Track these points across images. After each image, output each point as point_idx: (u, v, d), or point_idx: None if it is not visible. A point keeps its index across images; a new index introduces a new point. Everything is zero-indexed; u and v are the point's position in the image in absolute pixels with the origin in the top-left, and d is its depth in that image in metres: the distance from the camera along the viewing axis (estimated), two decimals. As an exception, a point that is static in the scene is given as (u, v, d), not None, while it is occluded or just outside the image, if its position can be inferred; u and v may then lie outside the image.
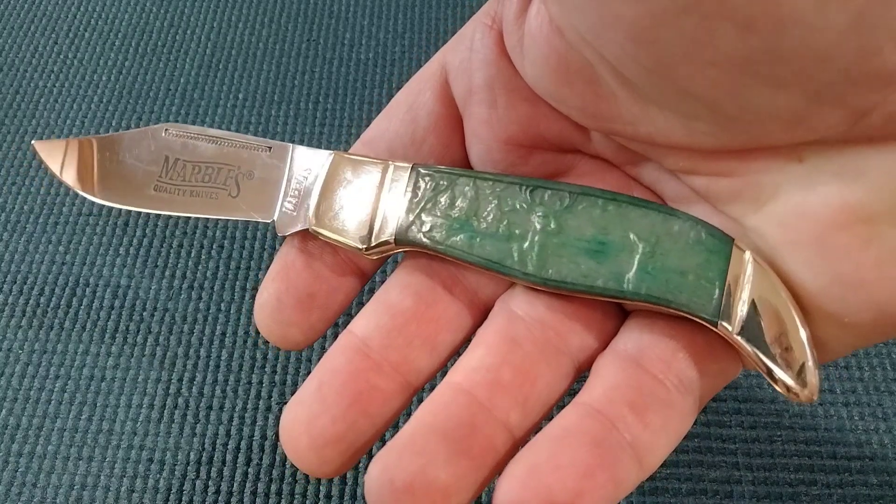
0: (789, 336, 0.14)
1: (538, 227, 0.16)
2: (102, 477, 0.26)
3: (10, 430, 0.27)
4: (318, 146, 0.34)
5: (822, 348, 0.15)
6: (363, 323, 0.16)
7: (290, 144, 0.18)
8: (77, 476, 0.26)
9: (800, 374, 0.14)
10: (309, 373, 0.28)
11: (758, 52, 0.11)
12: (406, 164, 0.17)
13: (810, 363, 0.14)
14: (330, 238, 0.17)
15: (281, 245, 0.18)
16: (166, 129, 0.18)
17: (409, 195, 0.16)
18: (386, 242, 0.16)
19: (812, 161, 0.13)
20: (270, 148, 0.18)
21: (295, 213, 0.17)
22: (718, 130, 0.14)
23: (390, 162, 0.17)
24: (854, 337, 0.15)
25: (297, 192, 0.17)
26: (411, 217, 0.16)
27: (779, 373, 0.14)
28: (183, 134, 0.18)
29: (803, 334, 0.14)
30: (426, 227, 0.16)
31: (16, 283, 0.30)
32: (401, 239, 0.16)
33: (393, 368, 0.16)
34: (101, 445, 0.27)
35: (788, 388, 0.14)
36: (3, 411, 0.27)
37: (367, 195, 0.17)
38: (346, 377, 0.15)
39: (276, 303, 0.17)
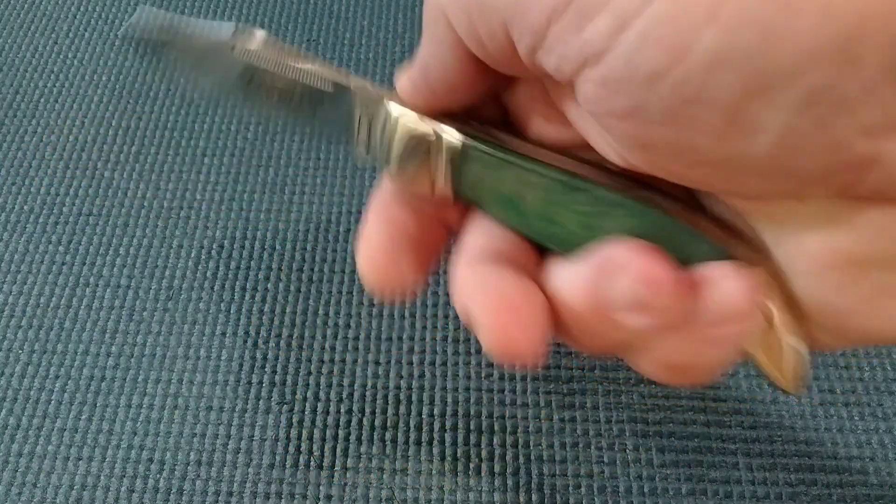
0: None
1: (576, 221, 0.16)
2: (102, 477, 0.26)
3: (10, 430, 0.27)
4: (318, 146, 0.34)
5: (814, 343, 0.15)
6: None
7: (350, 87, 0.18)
8: (77, 476, 0.26)
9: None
10: (309, 373, 0.28)
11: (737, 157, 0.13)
12: (457, 142, 0.17)
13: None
14: (403, 186, 0.18)
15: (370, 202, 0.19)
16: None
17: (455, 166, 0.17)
18: (446, 197, 0.17)
19: (811, 203, 0.14)
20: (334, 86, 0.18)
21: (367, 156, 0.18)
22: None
23: (443, 135, 0.17)
24: (846, 343, 0.15)
25: (366, 135, 0.18)
26: (462, 180, 0.17)
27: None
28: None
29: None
30: (476, 193, 0.17)
31: (16, 283, 0.30)
32: (457, 196, 0.17)
33: None
34: (101, 445, 0.27)
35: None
36: (3, 411, 0.27)
37: (425, 154, 0.17)
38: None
39: (389, 245, 0.17)
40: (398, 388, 0.28)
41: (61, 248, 0.31)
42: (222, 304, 0.30)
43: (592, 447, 0.27)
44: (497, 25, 0.14)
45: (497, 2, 0.14)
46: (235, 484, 0.26)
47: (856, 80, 0.11)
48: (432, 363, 0.28)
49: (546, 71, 0.14)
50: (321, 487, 0.26)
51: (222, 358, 0.29)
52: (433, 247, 0.18)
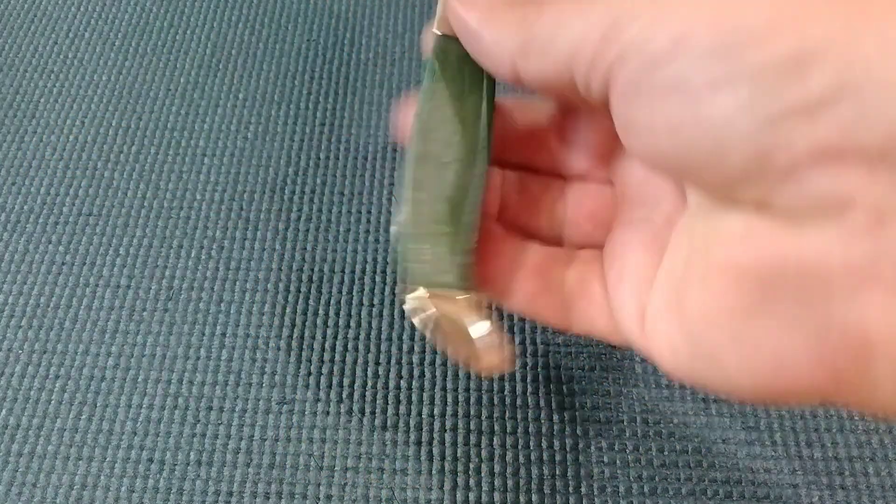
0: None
1: None
2: (102, 477, 0.26)
3: (10, 430, 0.27)
4: (318, 146, 0.34)
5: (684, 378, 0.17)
6: None
7: None
8: (77, 476, 0.26)
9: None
10: (309, 373, 0.28)
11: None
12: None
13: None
14: None
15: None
16: None
17: None
18: None
19: (739, 212, 0.15)
20: None
21: None
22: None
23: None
24: (701, 383, 0.17)
25: None
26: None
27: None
28: None
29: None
30: None
31: (16, 283, 0.30)
32: None
33: None
34: (101, 445, 0.27)
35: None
36: (3, 411, 0.27)
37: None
38: None
39: None
40: (398, 388, 0.28)
41: (61, 248, 0.31)
42: (222, 304, 0.30)
43: (592, 447, 0.27)
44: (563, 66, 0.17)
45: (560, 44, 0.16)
46: (235, 484, 0.26)
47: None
48: (432, 363, 0.28)
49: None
50: (321, 487, 0.26)
51: (222, 358, 0.29)
52: None
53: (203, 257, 0.31)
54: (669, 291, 0.17)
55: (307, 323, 0.29)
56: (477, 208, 0.19)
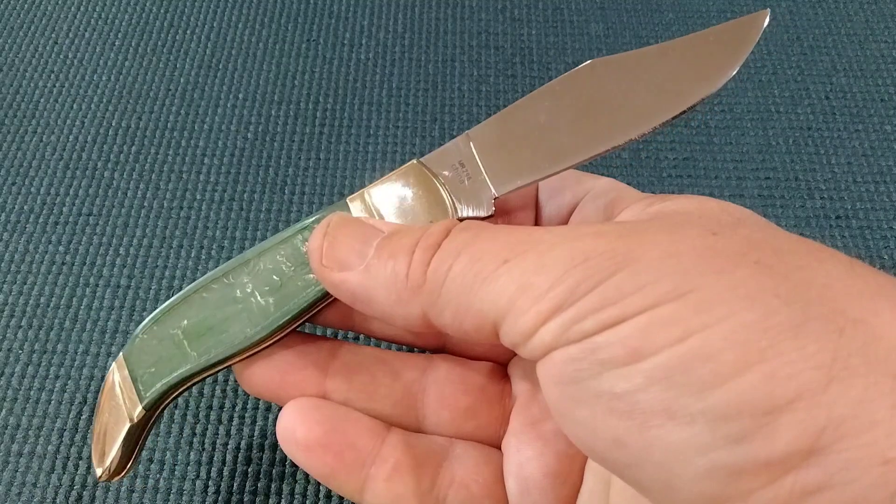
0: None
1: None
2: (102, 477, 0.26)
3: (10, 430, 0.27)
4: (318, 146, 0.34)
5: None
6: None
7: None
8: (77, 476, 0.26)
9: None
10: (309, 373, 0.28)
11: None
12: None
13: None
14: None
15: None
16: None
17: None
18: None
19: None
20: None
21: None
22: None
23: None
24: None
25: None
26: None
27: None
28: None
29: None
30: None
31: (16, 283, 0.30)
32: None
33: None
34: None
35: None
36: (3, 411, 0.27)
37: None
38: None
39: None
40: (398, 388, 0.28)
41: (61, 248, 0.31)
42: (222, 304, 0.30)
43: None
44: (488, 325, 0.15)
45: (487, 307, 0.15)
46: (235, 484, 0.26)
47: None
48: (432, 363, 0.28)
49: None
50: (321, 487, 0.26)
51: (222, 358, 0.29)
52: None
53: (203, 257, 0.31)
54: None
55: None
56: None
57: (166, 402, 0.20)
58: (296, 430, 0.19)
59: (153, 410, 0.20)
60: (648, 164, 0.34)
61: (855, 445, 0.11)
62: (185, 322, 0.20)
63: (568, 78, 0.20)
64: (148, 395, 0.19)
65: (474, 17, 0.39)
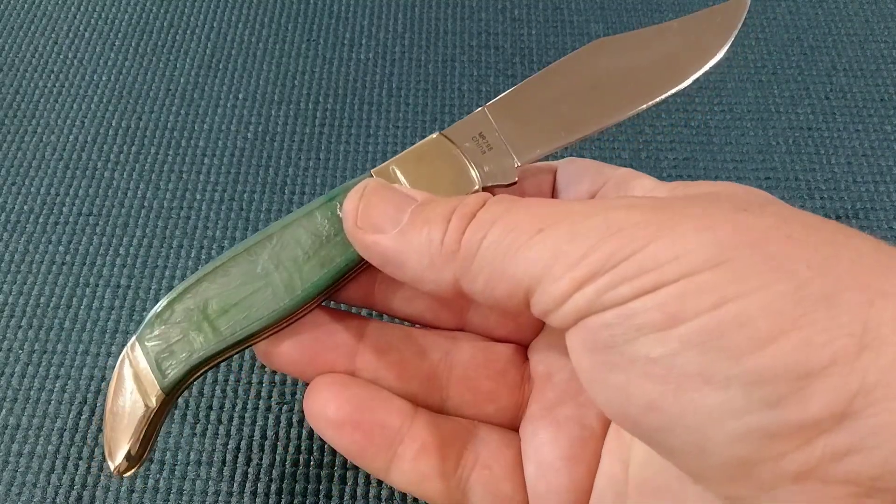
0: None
1: None
2: (102, 477, 0.26)
3: (10, 430, 0.27)
4: (318, 146, 0.34)
5: None
6: None
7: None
8: (77, 476, 0.26)
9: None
10: (309, 373, 0.28)
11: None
12: None
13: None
14: None
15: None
16: None
17: None
18: None
19: None
20: None
21: None
22: None
23: None
24: None
25: None
26: None
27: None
28: None
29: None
30: None
31: (16, 283, 0.30)
32: None
33: None
34: (101, 445, 0.27)
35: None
36: (3, 411, 0.27)
37: None
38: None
39: None
40: (398, 388, 0.28)
41: (61, 248, 0.31)
42: (222, 304, 0.30)
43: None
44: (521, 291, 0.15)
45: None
46: (235, 484, 0.26)
47: None
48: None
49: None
50: (321, 487, 0.26)
51: (222, 358, 0.28)
52: None
53: (203, 257, 0.31)
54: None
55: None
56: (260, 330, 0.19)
57: (186, 384, 0.19)
58: (326, 407, 0.19)
59: (172, 394, 0.19)
60: (648, 164, 0.34)
61: (885, 410, 0.11)
62: (206, 300, 0.19)
63: (575, 56, 0.21)
64: (168, 377, 0.19)
65: (474, 17, 0.39)
